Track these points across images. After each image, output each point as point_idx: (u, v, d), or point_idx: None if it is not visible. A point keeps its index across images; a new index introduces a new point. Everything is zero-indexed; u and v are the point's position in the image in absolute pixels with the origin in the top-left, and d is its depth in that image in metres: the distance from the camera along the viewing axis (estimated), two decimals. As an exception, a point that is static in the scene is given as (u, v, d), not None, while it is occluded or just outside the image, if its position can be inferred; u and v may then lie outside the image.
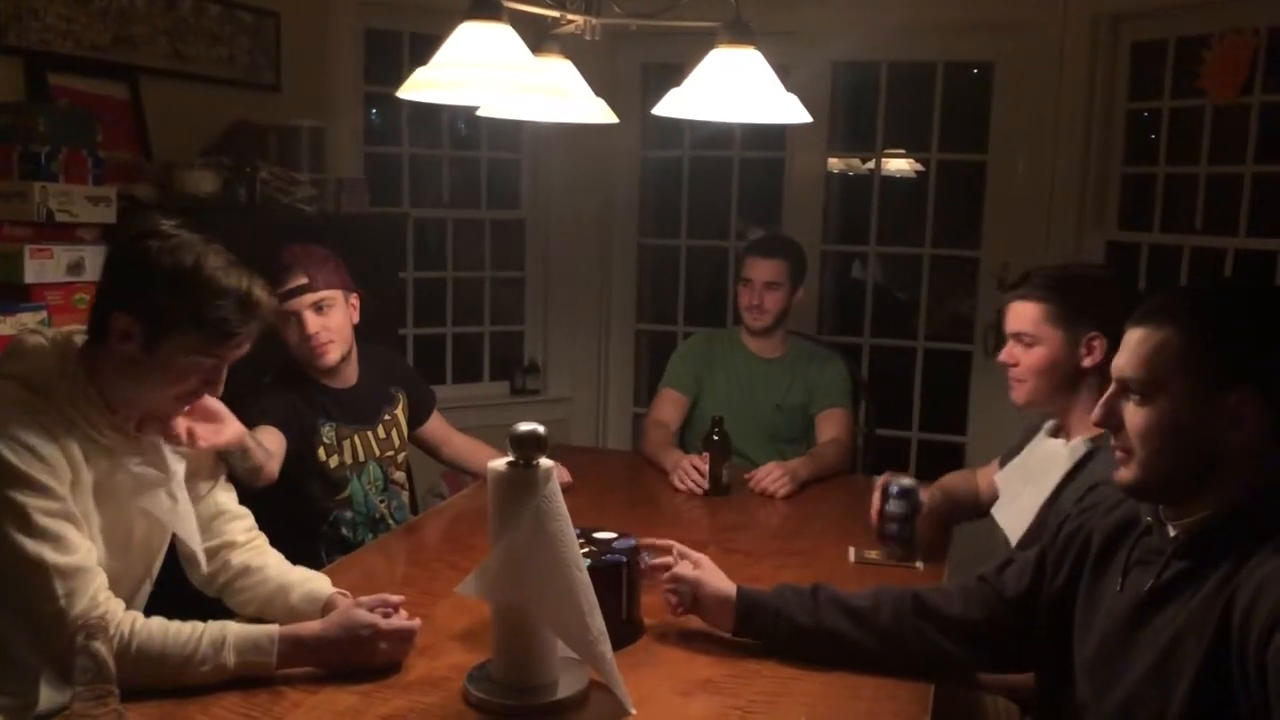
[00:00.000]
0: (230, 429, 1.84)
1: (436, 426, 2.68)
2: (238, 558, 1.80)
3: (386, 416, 2.50)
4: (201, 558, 1.75)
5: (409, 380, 2.64)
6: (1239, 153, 3.16)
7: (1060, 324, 1.98)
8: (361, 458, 2.43)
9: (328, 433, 2.37)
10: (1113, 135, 3.52)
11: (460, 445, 2.71)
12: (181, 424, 1.69)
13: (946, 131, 3.80)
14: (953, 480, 2.44)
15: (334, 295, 2.33)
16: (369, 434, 2.45)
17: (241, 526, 1.84)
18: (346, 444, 2.40)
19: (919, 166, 4.27)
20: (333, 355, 2.34)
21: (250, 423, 2.01)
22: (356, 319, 2.40)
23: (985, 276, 3.78)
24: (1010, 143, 3.68)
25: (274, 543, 1.94)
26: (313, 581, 1.78)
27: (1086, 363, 1.96)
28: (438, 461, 2.79)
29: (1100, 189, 3.54)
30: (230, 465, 1.93)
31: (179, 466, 1.69)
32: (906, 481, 2.15)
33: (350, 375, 2.43)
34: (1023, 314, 2.03)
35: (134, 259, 1.56)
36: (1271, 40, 3.05)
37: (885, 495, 2.14)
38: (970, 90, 3.89)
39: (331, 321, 2.32)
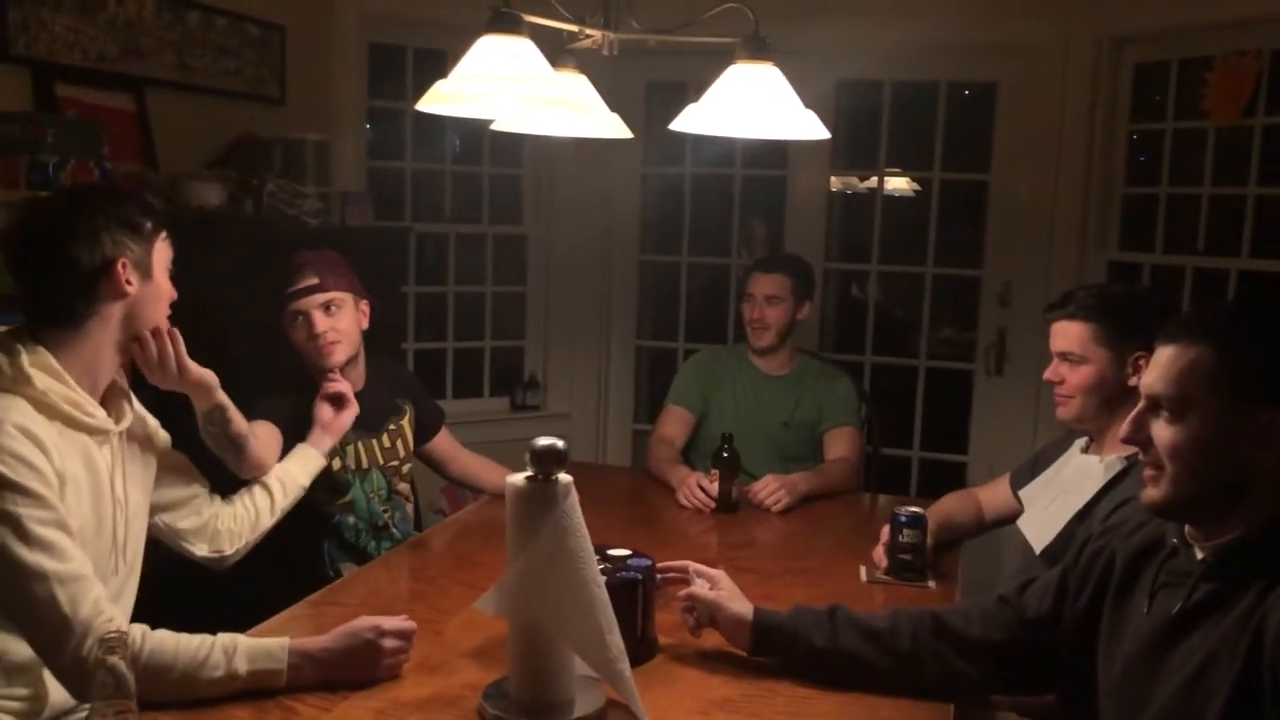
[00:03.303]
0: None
1: (444, 443, 2.67)
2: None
3: (391, 426, 2.49)
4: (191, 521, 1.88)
5: (417, 394, 2.62)
6: (1242, 174, 3.18)
7: (1107, 344, 2.01)
8: (365, 464, 2.41)
9: None
10: (1115, 156, 3.54)
11: (467, 462, 2.69)
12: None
13: (949, 151, 3.81)
14: (949, 505, 2.43)
15: (344, 297, 2.33)
16: (373, 441, 2.44)
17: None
18: (350, 449, 2.38)
19: (916, 186, 4.28)
20: (339, 355, 2.33)
21: (253, 419, 2.07)
22: (365, 325, 2.40)
23: (987, 296, 3.79)
24: (1013, 162, 3.69)
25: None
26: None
27: (1133, 381, 1.98)
28: (444, 478, 2.78)
29: (1102, 209, 3.56)
30: (209, 431, 1.93)
31: (160, 433, 1.82)
32: (914, 509, 2.16)
33: (356, 381, 2.41)
34: (1070, 334, 2.05)
35: (82, 227, 1.61)
36: (1274, 62, 3.07)
37: (895, 526, 2.13)
38: (973, 110, 3.90)
39: (340, 323, 2.32)
